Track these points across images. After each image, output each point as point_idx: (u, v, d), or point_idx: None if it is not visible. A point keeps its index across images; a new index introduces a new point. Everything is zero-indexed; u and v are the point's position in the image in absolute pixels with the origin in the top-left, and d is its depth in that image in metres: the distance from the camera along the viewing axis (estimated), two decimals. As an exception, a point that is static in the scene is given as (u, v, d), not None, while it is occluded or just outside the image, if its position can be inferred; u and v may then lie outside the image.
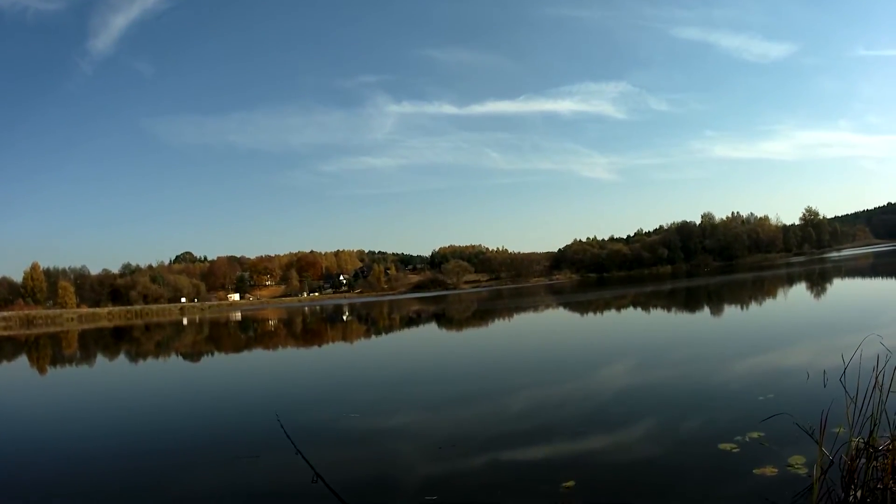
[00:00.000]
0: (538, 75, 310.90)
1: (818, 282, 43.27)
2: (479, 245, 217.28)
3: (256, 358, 28.43)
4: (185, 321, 79.43)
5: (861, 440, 5.23)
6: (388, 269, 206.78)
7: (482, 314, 47.79)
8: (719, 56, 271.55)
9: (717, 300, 38.16)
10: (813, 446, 5.64)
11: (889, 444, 5.24)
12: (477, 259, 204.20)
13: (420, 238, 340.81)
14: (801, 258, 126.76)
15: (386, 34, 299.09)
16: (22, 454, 10.65)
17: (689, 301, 40.66)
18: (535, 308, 48.29)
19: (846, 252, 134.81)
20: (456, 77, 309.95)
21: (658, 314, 34.05)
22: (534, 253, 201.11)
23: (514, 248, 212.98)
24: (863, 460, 5.11)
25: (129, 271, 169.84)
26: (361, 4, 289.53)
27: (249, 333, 48.05)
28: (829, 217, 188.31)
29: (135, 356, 33.96)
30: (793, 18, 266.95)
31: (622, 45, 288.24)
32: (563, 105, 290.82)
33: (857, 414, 5.33)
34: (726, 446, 7.38)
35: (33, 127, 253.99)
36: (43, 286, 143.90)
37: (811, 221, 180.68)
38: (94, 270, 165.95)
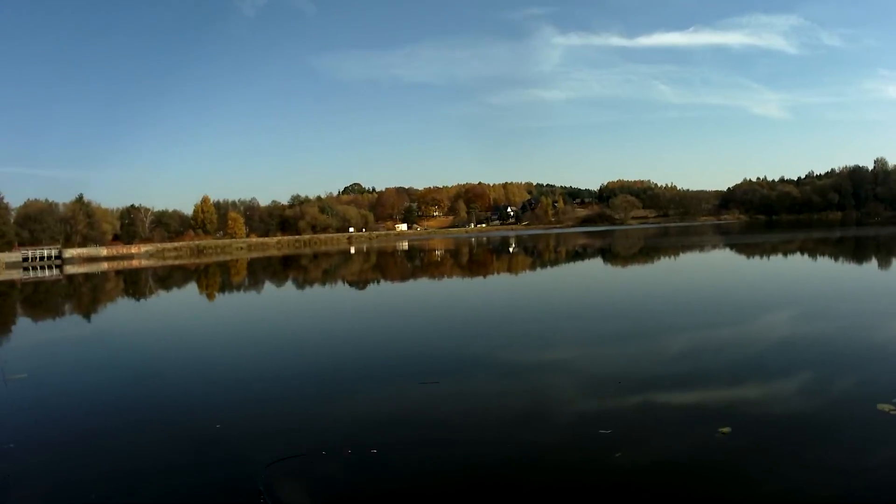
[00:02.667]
0: (706, 5, 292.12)
1: None
2: (648, 181, 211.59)
3: (415, 287, 29.69)
4: (352, 250, 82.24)
5: None
6: (556, 202, 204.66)
7: (648, 251, 47.48)
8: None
9: (885, 253, 35.94)
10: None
11: None
12: (645, 195, 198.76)
13: (588, 171, 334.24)
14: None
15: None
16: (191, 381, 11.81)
17: (857, 252, 38.06)
18: (701, 248, 47.32)
19: None
20: (622, 8, 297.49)
21: (824, 263, 32.75)
22: (702, 191, 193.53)
23: (682, 184, 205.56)
24: None
25: (298, 202, 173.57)
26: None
27: (415, 263, 49.83)
28: None
29: (302, 283, 35.83)
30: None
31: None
32: (733, 38, 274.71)
33: None
34: (885, 407, 7.27)
35: (200, 70, 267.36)
36: (213, 218, 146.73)
37: None
38: (264, 202, 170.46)
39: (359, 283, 34.11)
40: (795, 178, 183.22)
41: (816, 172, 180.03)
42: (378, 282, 34.80)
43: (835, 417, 7.24)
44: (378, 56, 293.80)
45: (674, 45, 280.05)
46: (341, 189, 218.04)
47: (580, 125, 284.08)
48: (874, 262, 31.97)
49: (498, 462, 6.58)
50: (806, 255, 37.44)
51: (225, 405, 9.25)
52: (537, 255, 51.09)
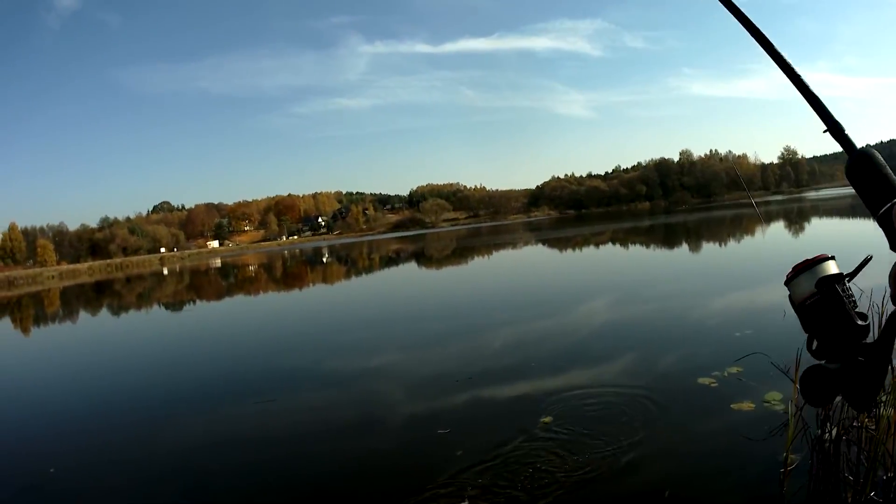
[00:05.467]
0: (511, 12, 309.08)
1: (795, 220, 43.30)
2: (457, 183, 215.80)
3: (235, 305, 28.44)
4: (165, 271, 78.83)
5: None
6: (367, 209, 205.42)
7: (461, 252, 48.20)
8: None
9: (694, 237, 38.28)
10: (790, 383, 5.66)
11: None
12: (455, 197, 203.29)
13: (397, 178, 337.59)
14: (780, 197, 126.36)
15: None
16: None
17: (667, 238, 40.76)
18: (514, 245, 48.57)
19: (825, 192, 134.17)
20: (428, 15, 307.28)
21: (636, 250, 34.31)
22: (512, 190, 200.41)
23: (491, 185, 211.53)
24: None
25: (108, 224, 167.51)
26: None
27: (230, 280, 48.10)
28: (808, 157, 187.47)
29: (117, 310, 33.40)
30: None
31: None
32: (538, 42, 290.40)
33: (832, 352, 5.31)
34: (705, 381, 7.45)
35: (0, 87, 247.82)
36: (21, 246, 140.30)
37: (789, 160, 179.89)
38: (73, 226, 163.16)
39: (175, 304, 32.30)
40: (603, 173, 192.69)
41: (623, 167, 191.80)
42: (195, 302, 32.95)
43: (659, 395, 7.26)
44: (184, 68, 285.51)
45: (479, 50, 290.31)
46: (150, 208, 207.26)
47: (387, 132, 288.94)
48: (683, 246, 33.93)
49: (341, 473, 6.23)
50: (617, 245, 39.17)
51: (55, 446, 8.20)
52: (351, 263, 50.98)
